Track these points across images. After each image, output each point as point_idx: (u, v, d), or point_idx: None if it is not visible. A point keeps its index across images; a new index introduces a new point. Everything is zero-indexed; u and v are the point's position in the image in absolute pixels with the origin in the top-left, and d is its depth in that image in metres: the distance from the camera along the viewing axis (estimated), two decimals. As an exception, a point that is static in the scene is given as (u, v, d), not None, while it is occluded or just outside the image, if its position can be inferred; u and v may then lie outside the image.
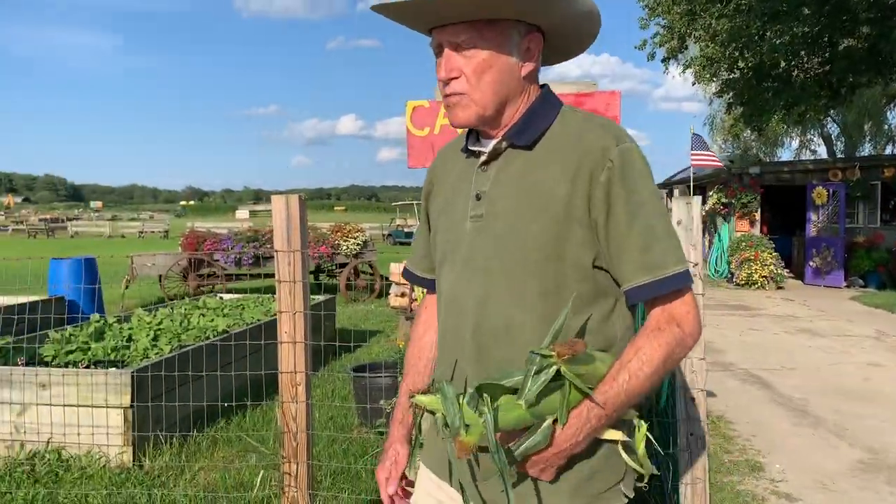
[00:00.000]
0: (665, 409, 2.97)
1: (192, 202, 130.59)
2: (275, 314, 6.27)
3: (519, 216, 1.36)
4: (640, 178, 1.34)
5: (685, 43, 16.27)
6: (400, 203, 36.02)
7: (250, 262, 12.01)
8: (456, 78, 1.39)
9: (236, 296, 7.85)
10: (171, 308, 6.62)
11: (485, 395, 1.25)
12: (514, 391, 1.25)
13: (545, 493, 1.35)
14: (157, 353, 4.74)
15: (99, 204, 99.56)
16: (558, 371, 1.24)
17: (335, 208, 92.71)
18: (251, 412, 5.05)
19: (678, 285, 1.32)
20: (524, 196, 1.37)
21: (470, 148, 1.50)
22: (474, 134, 1.50)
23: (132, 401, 4.07)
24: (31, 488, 3.76)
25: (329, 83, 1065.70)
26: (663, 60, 17.13)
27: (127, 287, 11.82)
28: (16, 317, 6.81)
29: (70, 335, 4.96)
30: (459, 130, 1.53)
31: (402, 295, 7.98)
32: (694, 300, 1.36)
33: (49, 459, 4.11)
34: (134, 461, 4.10)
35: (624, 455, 1.36)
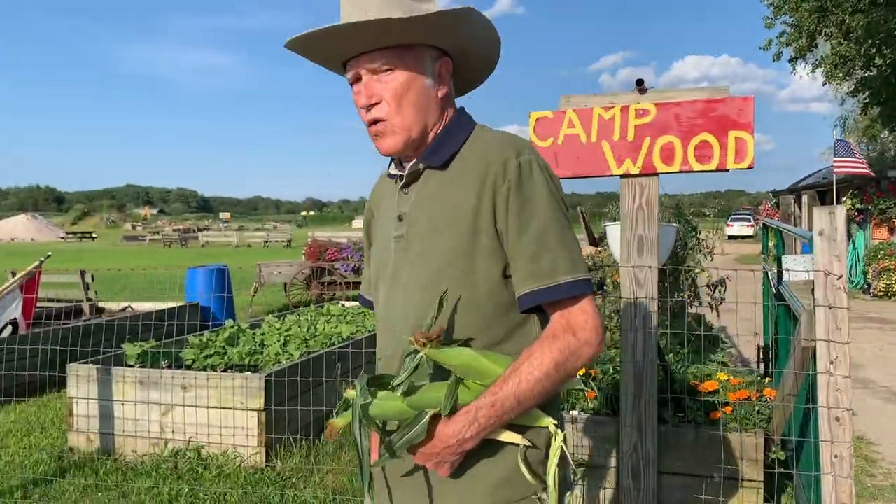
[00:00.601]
0: (807, 430, 2.83)
1: (311, 212, 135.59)
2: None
3: (433, 233, 1.42)
4: (538, 188, 1.38)
5: (814, 41, 15.45)
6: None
7: (369, 270, 12.31)
8: (377, 104, 1.42)
9: (354, 304, 8.07)
10: (298, 315, 6.90)
11: (360, 384, 1.32)
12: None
13: (461, 494, 1.40)
14: (287, 358, 4.96)
15: (227, 215, 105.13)
16: (448, 369, 1.32)
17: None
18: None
19: (569, 293, 1.35)
20: (437, 214, 1.43)
21: (391, 172, 1.56)
22: (397, 158, 1.54)
23: (265, 404, 4.28)
24: (174, 484, 4.02)
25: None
26: (790, 60, 16.34)
27: (255, 294, 12.43)
28: (153, 323, 7.30)
29: (208, 340, 5.27)
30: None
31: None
32: (594, 309, 1.38)
33: (190, 458, 4.38)
34: (266, 462, 4.30)
35: (519, 461, 1.37)
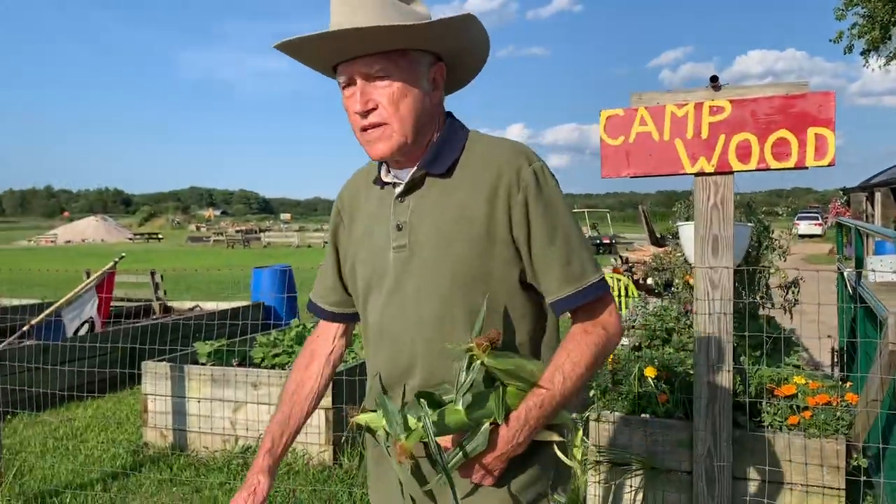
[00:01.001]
0: (892, 436, 2.72)
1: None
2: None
3: (442, 241, 1.40)
4: (554, 195, 1.42)
5: (888, 33, 14.87)
6: (576, 210, 35.62)
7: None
8: (373, 109, 1.39)
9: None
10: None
11: (422, 400, 1.30)
12: (451, 400, 1.31)
13: (486, 499, 1.40)
14: (353, 357, 5.01)
15: (288, 216, 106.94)
16: (492, 375, 1.32)
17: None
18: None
19: (599, 292, 1.41)
20: (445, 221, 1.41)
21: (384, 179, 1.51)
22: (385, 165, 1.51)
23: (333, 402, 4.33)
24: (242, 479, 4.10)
25: (498, 93, 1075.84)
26: (862, 53, 15.76)
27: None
28: (217, 322, 7.47)
29: (275, 339, 5.37)
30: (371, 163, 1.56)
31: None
32: (614, 304, 1.46)
33: (260, 454, 4.46)
34: (334, 460, 4.35)
35: (561, 456, 1.42)
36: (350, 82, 1.40)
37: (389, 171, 1.50)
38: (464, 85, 1.61)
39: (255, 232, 50.37)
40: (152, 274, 9.25)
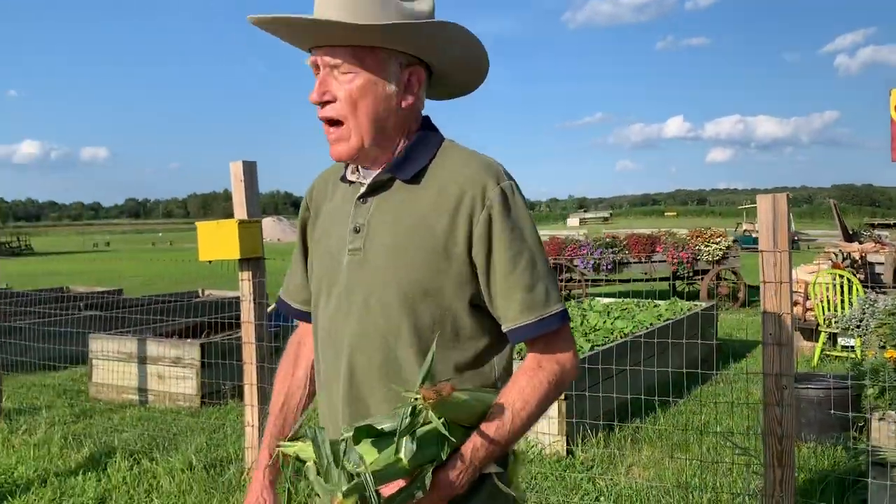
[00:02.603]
0: None
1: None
2: (668, 318, 6.27)
3: (398, 251, 1.33)
4: (521, 217, 1.33)
5: None
6: (749, 206, 33.81)
7: (609, 267, 12.20)
8: (330, 102, 1.33)
9: (613, 300, 8.00)
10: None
11: (359, 451, 1.17)
12: (391, 433, 1.17)
13: None
14: (578, 350, 5.02)
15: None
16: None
17: (666, 214, 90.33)
18: (664, 409, 5.12)
19: (559, 323, 1.32)
20: (403, 230, 1.33)
21: (349, 177, 1.44)
22: (353, 164, 1.44)
23: (566, 393, 4.35)
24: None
25: (658, 85, 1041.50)
26: None
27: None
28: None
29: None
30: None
31: (796, 304, 7.45)
32: (572, 337, 1.37)
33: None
34: (567, 452, 4.38)
35: (502, 486, 1.32)
36: (316, 68, 1.36)
37: (357, 170, 1.44)
38: (470, 90, 1.54)
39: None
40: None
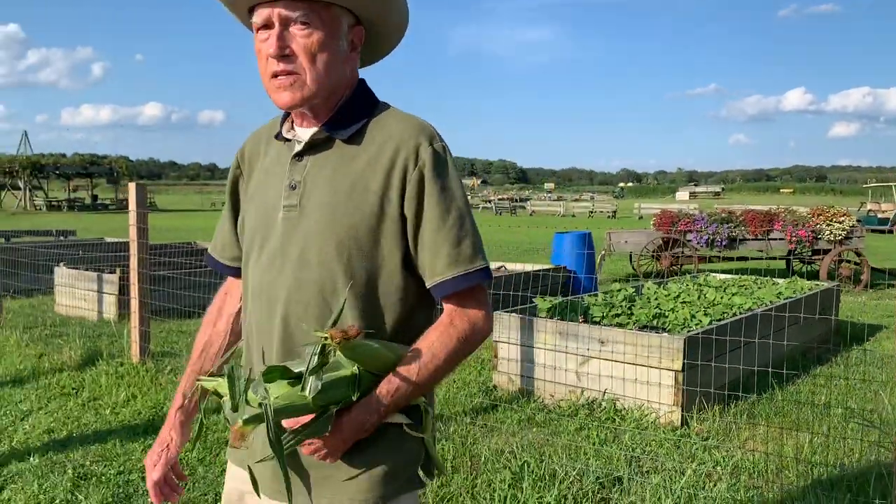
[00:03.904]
0: None
1: (630, 184, 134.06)
2: (787, 297, 6.13)
3: (334, 207, 1.35)
4: (452, 177, 1.38)
5: None
6: (874, 185, 31.84)
7: (724, 243, 11.90)
8: (288, 56, 1.33)
9: (730, 276, 7.86)
10: (673, 284, 6.94)
11: (266, 383, 1.22)
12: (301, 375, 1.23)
13: (344, 482, 1.36)
14: (697, 324, 5.03)
15: (552, 185, 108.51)
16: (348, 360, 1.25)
17: (781, 190, 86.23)
18: (781, 387, 5.07)
19: (483, 280, 1.36)
20: (340, 189, 1.36)
21: (284, 135, 1.45)
22: (289, 121, 1.46)
23: (683, 364, 4.40)
24: (598, 430, 4.33)
25: (778, 56, 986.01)
26: None
27: (602, 261, 12.72)
28: (521, 282, 7.81)
29: (611, 299, 5.56)
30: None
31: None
32: (487, 297, 1.40)
33: (605, 408, 4.68)
34: (682, 423, 4.43)
35: (412, 433, 1.37)
36: (267, 25, 1.35)
37: (293, 128, 1.46)
38: (378, 59, 1.57)
39: (518, 200, 51.68)
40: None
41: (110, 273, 7.92)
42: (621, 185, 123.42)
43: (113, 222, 29.43)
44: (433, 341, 1.34)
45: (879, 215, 26.09)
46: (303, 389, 1.21)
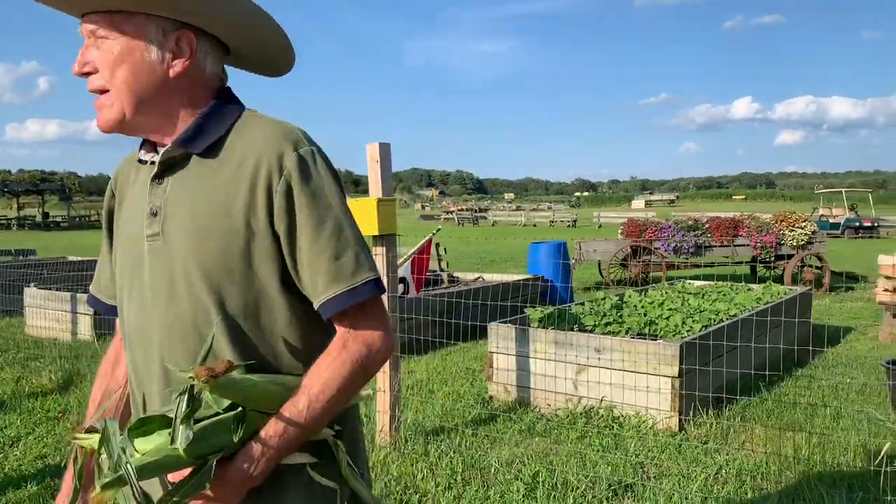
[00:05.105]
0: None
1: (585, 193, 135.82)
2: (767, 301, 6.30)
3: (198, 231, 1.23)
4: (325, 183, 1.25)
5: None
6: (825, 191, 32.87)
7: (690, 250, 12.15)
8: (91, 73, 1.25)
9: (707, 282, 8.04)
10: (654, 291, 7.08)
11: (136, 437, 1.09)
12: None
13: None
14: (688, 330, 5.14)
15: (511, 196, 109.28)
16: (230, 402, 1.12)
17: (734, 197, 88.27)
18: (770, 390, 5.20)
19: (373, 292, 1.24)
20: (202, 209, 1.24)
21: (141, 157, 1.34)
22: (149, 143, 1.34)
23: (680, 370, 4.49)
24: (599, 438, 4.39)
25: (724, 66, 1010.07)
26: None
27: (573, 270, 12.87)
28: (500, 292, 7.87)
29: (593, 309, 5.64)
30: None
31: (894, 290, 7.38)
32: (383, 313, 1.28)
33: (603, 415, 4.74)
34: (680, 429, 4.51)
35: (317, 477, 1.24)
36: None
37: (154, 149, 1.33)
38: (279, 67, 1.44)
39: (478, 211, 51.96)
40: (437, 247, 9.97)
41: (84, 293, 7.74)
42: (577, 194, 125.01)
43: (67, 240, 28.71)
44: (323, 370, 1.21)
45: (831, 220, 26.92)
46: (173, 441, 1.07)
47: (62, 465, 4.12)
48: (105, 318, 7.50)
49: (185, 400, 1.07)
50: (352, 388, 1.23)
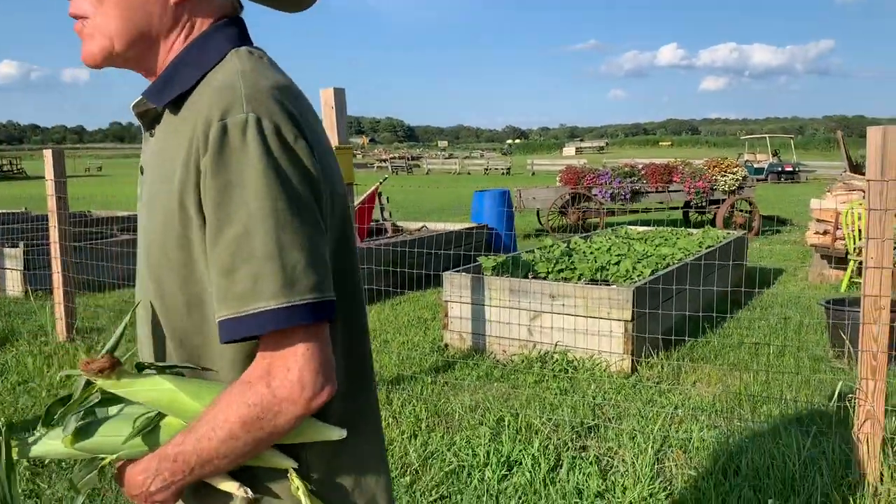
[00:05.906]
0: None
1: (517, 140, 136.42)
2: (709, 245, 6.49)
3: (150, 203, 1.06)
4: (247, 166, 0.92)
5: None
6: (751, 136, 33.89)
7: (627, 197, 12.39)
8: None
9: (648, 228, 8.22)
10: (598, 237, 7.20)
11: (41, 432, 1.07)
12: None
13: None
14: (638, 275, 5.25)
15: (445, 143, 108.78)
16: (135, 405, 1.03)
17: (660, 144, 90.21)
18: (713, 330, 5.40)
19: (276, 325, 0.91)
20: (156, 177, 1.05)
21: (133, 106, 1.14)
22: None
23: (633, 314, 4.59)
24: (555, 382, 4.48)
25: (653, 11, 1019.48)
26: None
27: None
28: (444, 241, 7.87)
29: (544, 256, 5.70)
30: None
31: (825, 233, 7.69)
32: (310, 352, 0.94)
33: (557, 360, 4.83)
34: (632, 370, 4.64)
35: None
36: None
37: None
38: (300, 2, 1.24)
39: (410, 159, 51.64)
40: (379, 196, 9.86)
41: (12, 248, 7.38)
42: (508, 141, 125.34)
43: (-19, 192, 27.23)
44: (221, 407, 0.97)
45: (755, 165, 27.82)
46: (65, 430, 1.01)
47: (8, 426, 3.96)
48: (37, 273, 7.19)
49: (80, 389, 1.02)
50: (248, 435, 0.95)
